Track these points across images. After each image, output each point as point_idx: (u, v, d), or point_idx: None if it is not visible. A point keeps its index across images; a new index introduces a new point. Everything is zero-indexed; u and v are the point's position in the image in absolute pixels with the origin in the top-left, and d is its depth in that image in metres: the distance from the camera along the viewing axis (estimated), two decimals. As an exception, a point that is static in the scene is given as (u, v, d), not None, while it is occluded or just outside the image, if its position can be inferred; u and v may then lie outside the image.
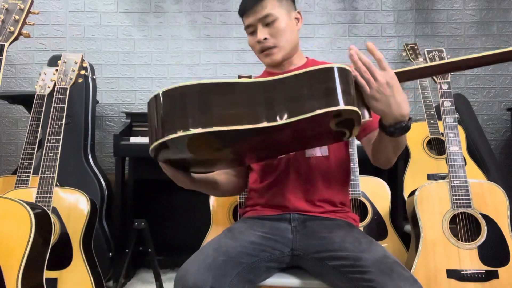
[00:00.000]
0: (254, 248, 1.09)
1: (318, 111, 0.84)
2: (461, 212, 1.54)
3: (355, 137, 1.11)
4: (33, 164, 1.91)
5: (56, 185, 1.71)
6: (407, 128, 0.95)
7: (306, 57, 1.32)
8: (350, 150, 1.95)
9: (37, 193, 1.66)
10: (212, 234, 1.86)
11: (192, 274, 0.96)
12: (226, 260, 1.01)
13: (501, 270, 1.46)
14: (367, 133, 1.19)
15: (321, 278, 1.12)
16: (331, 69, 0.87)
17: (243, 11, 1.23)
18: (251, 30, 1.23)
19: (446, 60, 0.96)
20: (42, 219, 1.29)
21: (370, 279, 0.94)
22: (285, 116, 0.85)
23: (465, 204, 1.53)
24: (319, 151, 1.21)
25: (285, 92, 0.87)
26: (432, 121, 2.25)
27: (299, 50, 1.29)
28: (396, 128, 0.95)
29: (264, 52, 1.22)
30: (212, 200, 1.94)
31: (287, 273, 1.16)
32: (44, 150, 1.74)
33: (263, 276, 1.11)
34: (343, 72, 0.88)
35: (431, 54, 1.89)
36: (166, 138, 0.83)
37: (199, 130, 0.81)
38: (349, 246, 1.04)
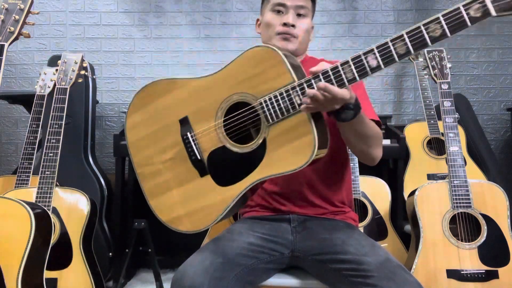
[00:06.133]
0: (253, 250, 1.08)
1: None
2: (461, 212, 1.54)
3: None
4: (33, 164, 1.91)
5: (56, 185, 1.71)
6: (355, 109, 0.94)
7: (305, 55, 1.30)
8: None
9: (37, 193, 1.66)
10: (212, 234, 1.85)
11: (189, 277, 0.95)
12: (224, 262, 1.00)
13: (501, 270, 1.46)
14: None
15: (321, 278, 1.11)
16: None
17: None
18: (279, 9, 1.18)
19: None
20: (42, 219, 1.28)
21: (373, 283, 0.93)
22: None
23: (465, 204, 1.53)
24: None
25: None
26: (432, 121, 2.25)
27: (305, 55, 1.29)
28: (343, 113, 0.94)
29: (284, 35, 1.17)
30: (212, 200, 1.94)
31: (286, 273, 1.16)
32: (44, 150, 1.74)
33: (262, 278, 1.11)
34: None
35: (431, 54, 1.89)
36: None
37: None
38: (351, 249, 1.03)
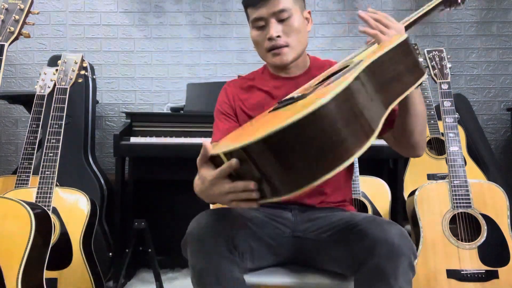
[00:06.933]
0: (258, 223, 1.10)
1: (413, 86, 0.86)
2: (461, 212, 1.54)
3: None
4: (33, 164, 1.91)
5: (56, 185, 1.71)
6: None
7: (307, 55, 1.25)
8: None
9: (37, 193, 1.66)
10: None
11: (208, 217, 0.99)
12: (237, 216, 1.04)
13: (501, 270, 1.46)
14: (388, 128, 1.12)
15: (319, 261, 1.12)
16: (406, 40, 0.87)
17: (254, 2, 1.11)
18: (260, 24, 1.12)
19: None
20: (42, 219, 1.29)
21: (359, 229, 0.99)
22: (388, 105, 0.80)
23: (465, 204, 1.53)
24: None
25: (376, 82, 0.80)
26: (432, 121, 2.25)
27: (305, 52, 1.22)
28: None
29: (273, 51, 1.12)
30: (212, 200, 1.94)
31: (285, 271, 1.16)
32: (44, 150, 1.74)
33: (264, 256, 1.10)
34: (408, 39, 0.90)
35: (431, 54, 1.89)
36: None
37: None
38: (345, 217, 1.09)
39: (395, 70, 0.84)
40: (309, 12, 1.19)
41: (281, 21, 1.10)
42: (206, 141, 0.82)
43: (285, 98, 0.89)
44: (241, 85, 1.27)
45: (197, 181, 0.90)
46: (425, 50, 1.92)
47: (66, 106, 1.81)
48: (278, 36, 1.10)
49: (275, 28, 1.09)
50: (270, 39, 1.10)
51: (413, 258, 0.95)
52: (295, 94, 0.91)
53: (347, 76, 0.73)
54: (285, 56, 1.12)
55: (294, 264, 1.18)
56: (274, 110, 0.90)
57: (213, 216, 1.00)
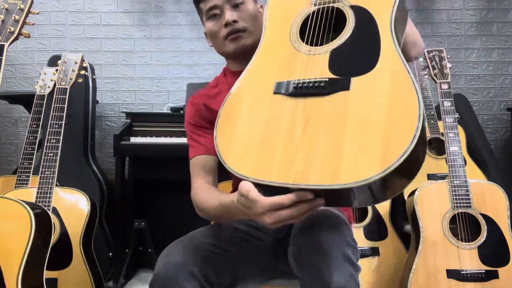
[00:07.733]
0: (238, 237, 1.05)
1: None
2: (461, 212, 1.54)
3: None
4: (33, 164, 1.91)
5: (56, 185, 1.71)
6: None
7: None
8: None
9: (37, 193, 1.66)
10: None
11: (178, 253, 0.92)
12: (214, 244, 0.98)
13: (501, 270, 1.46)
14: None
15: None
16: None
17: None
18: (215, 12, 1.09)
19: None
20: (42, 219, 1.28)
21: (304, 253, 0.89)
22: None
23: (465, 204, 1.53)
24: None
25: None
26: (432, 121, 2.25)
27: None
28: None
29: (231, 36, 1.09)
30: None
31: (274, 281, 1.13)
32: (44, 150, 1.74)
33: (247, 274, 1.05)
34: None
35: (431, 54, 1.89)
36: None
37: None
38: (307, 222, 0.94)
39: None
40: (261, 6, 1.17)
41: (235, 6, 1.09)
42: (242, 184, 0.76)
43: (308, 81, 0.81)
44: (206, 94, 1.21)
45: (230, 203, 0.86)
46: (425, 50, 1.92)
47: (66, 106, 1.81)
48: (235, 21, 1.07)
49: (231, 13, 1.08)
50: (227, 24, 1.08)
51: None
52: (311, 75, 0.84)
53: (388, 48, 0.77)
54: (243, 40, 1.09)
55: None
56: (298, 96, 0.81)
57: (185, 249, 0.93)
